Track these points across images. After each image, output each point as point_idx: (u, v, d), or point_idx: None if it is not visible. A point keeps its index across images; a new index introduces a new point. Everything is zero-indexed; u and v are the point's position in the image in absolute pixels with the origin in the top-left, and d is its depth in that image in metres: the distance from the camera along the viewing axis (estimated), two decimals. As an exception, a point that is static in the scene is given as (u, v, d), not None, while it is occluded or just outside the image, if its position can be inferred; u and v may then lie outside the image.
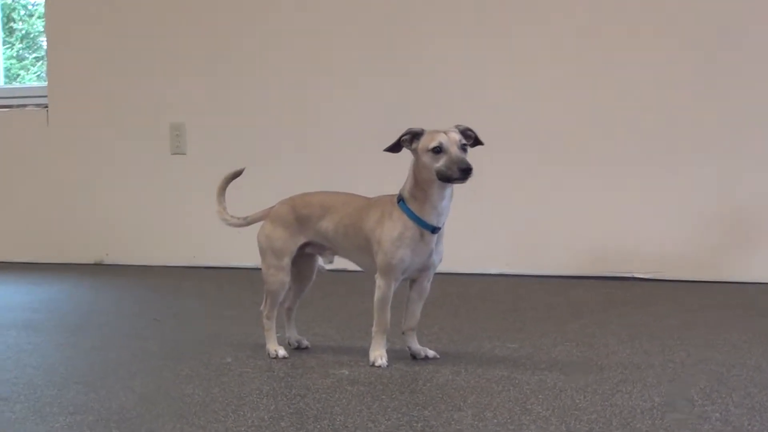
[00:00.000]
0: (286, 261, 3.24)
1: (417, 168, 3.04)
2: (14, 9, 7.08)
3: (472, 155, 3.03)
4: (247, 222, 3.41)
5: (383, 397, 2.71)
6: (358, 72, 5.71)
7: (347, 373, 3.01)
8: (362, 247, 3.15)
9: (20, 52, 7.10)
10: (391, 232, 3.04)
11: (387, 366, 3.08)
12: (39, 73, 6.90)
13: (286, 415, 2.54)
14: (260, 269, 3.29)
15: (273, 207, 3.33)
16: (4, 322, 4.08)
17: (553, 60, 5.39)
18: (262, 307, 3.31)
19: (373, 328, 3.14)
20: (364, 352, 3.17)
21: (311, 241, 3.25)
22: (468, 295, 4.77)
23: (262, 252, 3.27)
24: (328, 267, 3.48)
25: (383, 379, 2.92)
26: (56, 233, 6.27)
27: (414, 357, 3.21)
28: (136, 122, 6.10)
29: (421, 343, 3.26)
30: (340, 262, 3.39)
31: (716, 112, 5.16)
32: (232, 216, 3.42)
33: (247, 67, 5.89)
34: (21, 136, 6.37)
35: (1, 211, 6.41)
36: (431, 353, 3.22)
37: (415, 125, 3.08)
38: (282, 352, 3.26)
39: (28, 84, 6.86)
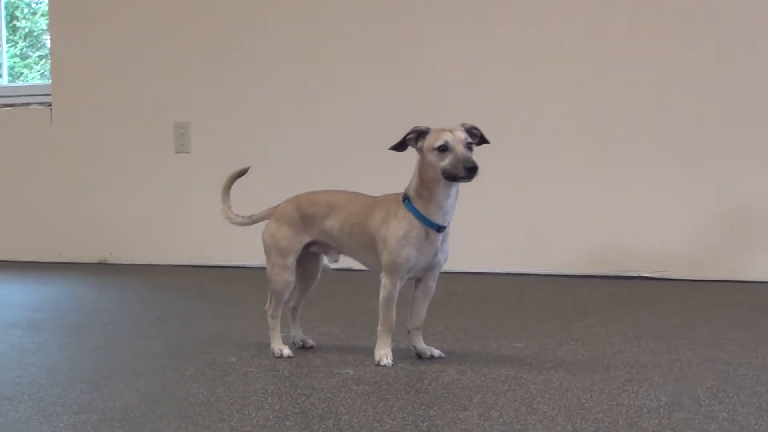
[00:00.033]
0: (291, 260, 3.23)
1: (422, 167, 3.03)
2: (18, 7, 7.07)
3: (478, 154, 3.02)
4: (252, 221, 3.40)
5: (388, 396, 2.70)
6: (361, 71, 5.70)
7: (352, 372, 3.00)
8: (367, 246, 3.14)
9: (23, 50, 7.10)
10: (397, 231, 3.02)
11: (392, 365, 3.07)
12: (42, 71, 6.89)
13: (291, 414, 2.53)
14: (265, 268, 3.28)
15: (278, 206, 3.32)
16: (8, 322, 4.07)
17: (555, 60, 5.39)
18: (266, 307, 3.30)
19: (379, 328, 3.13)
20: (370, 352, 3.16)
21: (316, 240, 3.24)
22: (473, 295, 4.76)
23: (267, 251, 3.26)
24: (333, 266, 3.46)
25: (388, 379, 2.91)
26: (60, 232, 6.27)
27: (419, 356, 3.20)
28: (140, 121, 6.10)
29: (426, 342, 3.25)
30: (345, 261, 3.37)
31: (719, 111, 5.16)
32: (236, 215, 3.40)
33: (251, 66, 5.89)
34: (25, 134, 6.37)
35: (5, 210, 6.41)
36: (437, 352, 3.21)
37: (419, 124, 3.07)
38: (287, 351, 3.24)
39: (31, 82, 6.86)
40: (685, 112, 5.20)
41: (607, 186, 5.31)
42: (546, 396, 2.69)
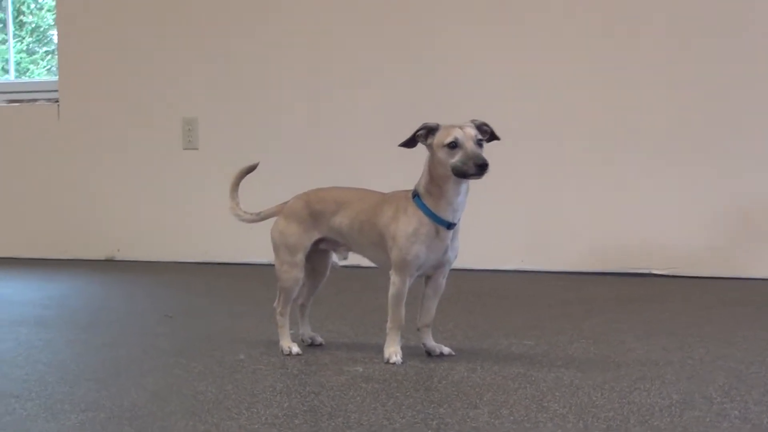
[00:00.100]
0: (300, 257, 3.21)
1: (432, 163, 3.01)
2: (24, 2, 7.07)
3: (489, 150, 3.00)
4: (261, 217, 3.38)
5: (398, 394, 2.69)
6: (370, 67, 5.70)
7: (361, 370, 2.99)
8: (376, 243, 3.12)
9: (30, 45, 7.09)
10: (406, 228, 3.01)
11: (402, 363, 3.06)
12: (49, 67, 6.89)
13: (300, 412, 2.52)
14: (273, 265, 3.27)
15: (287, 202, 3.31)
16: (15, 319, 4.07)
17: (563, 58, 5.39)
18: (275, 304, 3.29)
19: (388, 325, 3.12)
20: (379, 349, 3.15)
21: (325, 236, 3.23)
22: (483, 292, 4.75)
23: (276, 248, 3.25)
24: (342, 263, 3.45)
25: (398, 377, 2.89)
26: (66, 229, 6.27)
27: (429, 354, 3.19)
28: (148, 117, 6.09)
29: (436, 339, 3.23)
30: (354, 258, 3.36)
31: (727, 109, 5.15)
32: (245, 212, 3.39)
33: (260, 62, 5.88)
34: (32, 130, 6.36)
35: (12, 207, 6.41)
36: (446, 350, 3.20)
37: (429, 120, 3.05)
38: (296, 348, 3.23)
39: (38, 78, 6.85)
40: (693, 109, 5.19)
41: (617, 183, 5.30)
42: (556, 394, 2.67)
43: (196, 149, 6.01)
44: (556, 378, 2.86)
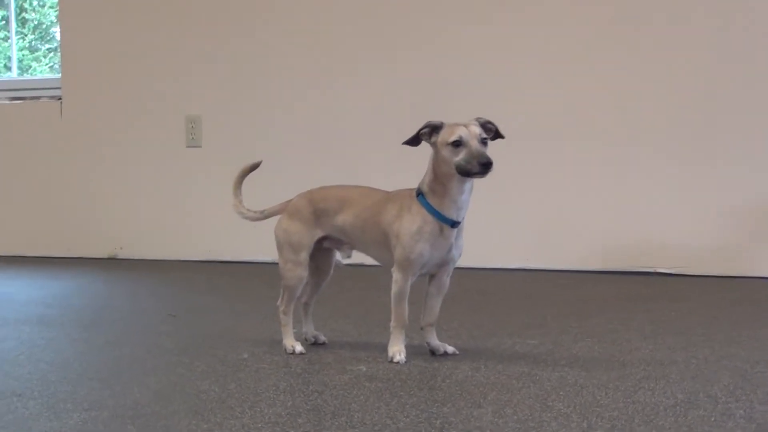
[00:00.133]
0: (304, 255, 3.20)
1: (436, 162, 3.00)
2: (27, -1, 7.06)
3: (493, 148, 2.99)
4: (264, 216, 3.37)
5: (402, 393, 2.68)
6: (375, 65, 5.69)
7: (365, 369, 2.98)
8: (380, 241, 3.11)
9: (33, 42, 7.08)
10: (410, 226, 3.00)
11: (405, 362, 3.05)
12: (52, 64, 6.88)
13: (304, 411, 2.51)
14: (277, 264, 3.26)
15: (290, 200, 3.30)
16: (18, 317, 4.07)
17: (568, 56, 5.38)
18: (278, 302, 3.28)
19: (392, 324, 3.11)
20: (382, 348, 3.14)
21: (329, 235, 3.22)
22: (487, 291, 4.75)
23: (280, 246, 3.24)
24: (346, 261, 3.44)
25: (402, 376, 2.89)
26: (69, 227, 6.27)
27: (433, 353, 3.18)
28: (151, 114, 6.09)
29: (440, 338, 3.22)
30: (358, 257, 3.35)
31: (736, 106, 5.14)
32: (248, 209, 3.38)
33: (264, 59, 5.88)
34: (34, 128, 6.36)
35: (15, 205, 6.41)
36: (450, 349, 3.19)
37: (434, 118, 3.05)
38: (299, 347, 3.22)
39: (41, 76, 6.84)
40: (699, 108, 5.19)
41: (622, 182, 5.30)
42: (561, 393, 2.66)
43: (200, 147, 6.00)
44: (561, 377, 2.85)
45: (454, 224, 3.01)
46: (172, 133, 6.05)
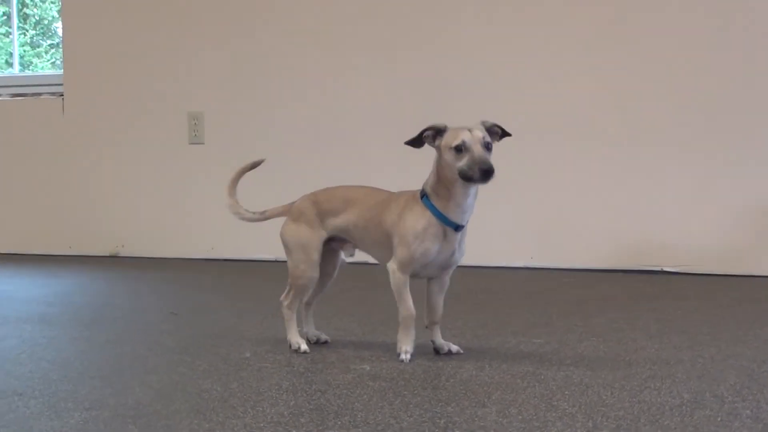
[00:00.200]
0: (315, 256, 3.18)
1: (440, 165, 2.98)
2: (27, -6, 7.05)
3: (498, 147, 2.97)
4: (265, 217, 3.35)
5: (405, 392, 2.66)
6: (378, 63, 5.69)
7: (368, 368, 2.97)
8: (382, 242, 3.10)
9: (34, 38, 7.07)
10: (415, 225, 2.98)
11: (410, 361, 3.02)
12: (53, 60, 6.87)
13: (306, 411, 2.50)
14: (281, 262, 3.25)
15: (294, 203, 3.27)
16: (19, 316, 4.06)
17: (577, 50, 5.38)
18: (282, 298, 3.26)
19: (400, 315, 3.07)
20: (386, 347, 3.13)
21: (334, 235, 3.20)
22: (492, 290, 4.75)
23: (288, 249, 3.22)
24: (349, 260, 3.42)
25: (405, 375, 2.87)
26: (70, 224, 6.26)
27: (437, 352, 3.16)
28: (154, 111, 6.08)
29: (444, 337, 3.21)
30: (362, 255, 3.34)
31: (743, 106, 5.14)
32: (246, 210, 3.35)
33: (267, 56, 5.88)
34: (36, 125, 6.35)
35: (16, 202, 6.40)
36: (455, 348, 3.17)
37: (435, 118, 3.02)
38: (304, 346, 3.20)
39: (43, 72, 6.83)
40: (708, 106, 5.18)
41: (627, 180, 5.29)
42: (566, 393, 2.65)
43: (202, 144, 5.99)
44: (566, 377, 2.84)
45: (457, 228, 2.99)
46: (174, 130, 6.04)
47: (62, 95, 6.28)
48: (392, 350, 3.11)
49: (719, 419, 2.38)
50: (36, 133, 6.34)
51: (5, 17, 6.76)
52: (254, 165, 3.38)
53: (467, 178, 2.89)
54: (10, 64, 6.75)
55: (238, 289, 4.93)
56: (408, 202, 3.04)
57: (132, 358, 3.21)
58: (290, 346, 3.22)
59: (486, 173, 2.85)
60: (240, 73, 5.91)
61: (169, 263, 5.85)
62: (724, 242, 5.14)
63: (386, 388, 2.71)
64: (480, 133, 2.93)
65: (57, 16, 6.59)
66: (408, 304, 3.05)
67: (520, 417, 2.41)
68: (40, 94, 6.41)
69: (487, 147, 2.92)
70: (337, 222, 3.17)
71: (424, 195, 3.01)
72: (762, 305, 4.30)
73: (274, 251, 3.28)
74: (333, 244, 3.24)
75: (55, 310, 4.26)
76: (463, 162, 2.89)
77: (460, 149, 2.90)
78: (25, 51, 6.97)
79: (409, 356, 3.04)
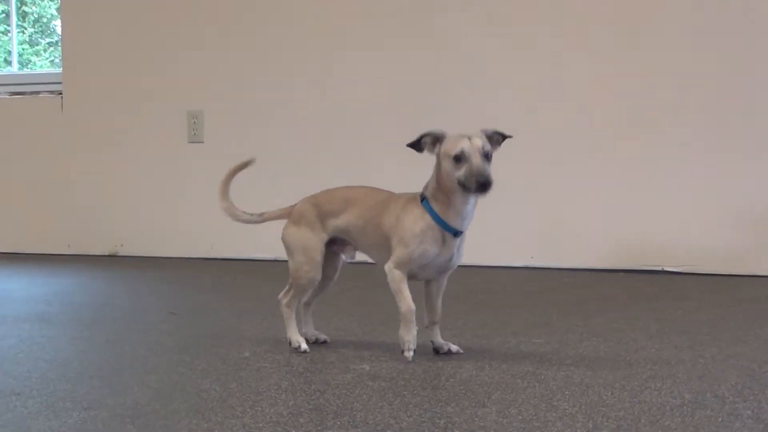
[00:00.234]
0: (318, 258, 3.17)
1: (439, 173, 2.96)
2: (27, -8, 7.05)
3: (502, 145, 2.96)
4: (263, 219, 3.33)
5: (405, 392, 2.65)
6: (379, 62, 5.69)
7: (368, 368, 2.96)
8: (380, 244, 3.09)
9: (33, 36, 7.07)
10: (413, 228, 2.97)
11: (411, 360, 3.00)
12: (52, 58, 6.86)
13: (305, 411, 2.49)
14: (279, 261, 3.25)
15: (294, 206, 3.26)
16: (18, 315, 4.06)
17: (581, 51, 5.37)
18: (281, 296, 3.25)
19: (400, 310, 3.04)
20: (386, 347, 3.13)
21: (335, 237, 3.19)
22: (492, 289, 4.75)
23: (290, 251, 3.20)
24: (349, 261, 3.41)
25: (405, 375, 2.86)
26: (70, 224, 6.26)
27: (437, 352, 3.15)
28: (153, 110, 6.08)
29: (444, 337, 3.20)
30: (362, 254, 3.32)
31: (745, 107, 5.14)
32: (243, 212, 3.34)
33: (266, 54, 5.87)
34: (34, 123, 6.35)
35: (14, 201, 6.40)
36: (454, 348, 3.16)
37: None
38: (304, 345, 3.19)
39: (41, 70, 6.82)
40: (710, 107, 5.18)
41: (629, 179, 5.29)
42: (566, 393, 2.64)
43: (202, 142, 5.99)
44: (566, 377, 2.83)
45: (456, 233, 2.98)
46: (173, 129, 6.03)
47: (61, 94, 6.28)
48: (392, 350, 3.10)
49: (720, 420, 2.37)
50: (35, 131, 6.34)
51: (4, 15, 6.75)
52: (244, 165, 3.35)
53: (465, 188, 2.87)
54: (8, 63, 6.75)
55: (237, 289, 4.92)
56: (407, 204, 3.03)
57: (131, 358, 3.20)
58: (290, 344, 3.21)
59: (483, 186, 2.83)
60: (240, 71, 5.90)
61: (169, 263, 5.85)
62: (725, 242, 5.13)
63: (386, 388, 2.70)
64: (479, 142, 2.89)
65: (56, 14, 6.59)
66: (407, 300, 3.03)
67: (520, 417, 2.40)
68: (39, 92, 6.40)
69: (487, 156, 2.89)
70: (338, 222, 3.16)
71: (424, 198, 3.00)
72: (763, 305, 4.29)
73: (274, 251, 3.28)
74: (334, 246, 3.23)
75: (54, 309, 4.25)
76: (461, 172, 2.86)
77: (458, 159, 2.87)
78: (23, 49, 6.97)
79: (412, 353, 3.02)
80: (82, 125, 6.22)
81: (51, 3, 6.88)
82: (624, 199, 5.27)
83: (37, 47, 7.07)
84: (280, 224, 3.27)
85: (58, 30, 6.47)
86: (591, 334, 3.50)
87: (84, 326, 3.84)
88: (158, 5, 6.08)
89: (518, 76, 5.43)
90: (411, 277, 3.03)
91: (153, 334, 3.62)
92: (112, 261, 6.00)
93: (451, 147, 2.89)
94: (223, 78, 5.94)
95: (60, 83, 6.29)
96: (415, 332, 3.05)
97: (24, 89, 6.44)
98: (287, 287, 3.24)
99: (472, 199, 2.94)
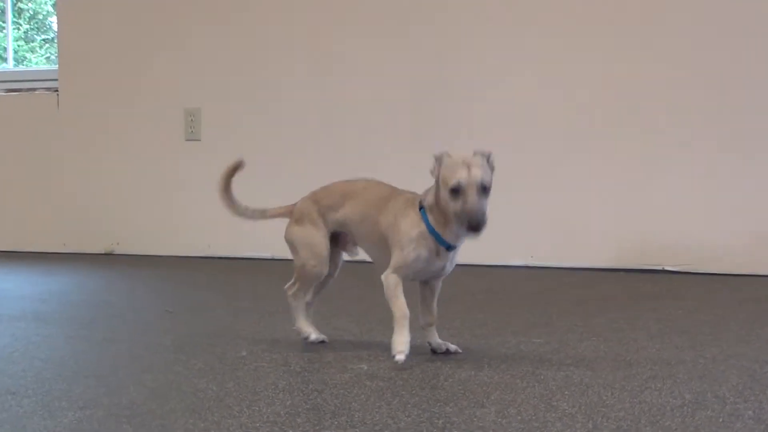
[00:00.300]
0: (323, 252, 3.16)
1: (437, 194, 2.91)
2: (22, -12, 7.04)
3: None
4: (266, 216, 3.33)
5: (403, 392, 2.64)
6: (377, 60, 5.68)
7: (366, 368, 2.95)
8: (376, 242, 3.09)
9: (28, 33, 7.05)
10: (409, 232, 2.95)
11: (404, 362, 2.97)
12: (48, 55, 6.85)
13: (303, 410, 2.47)
14: (276, 260, 3.24)
15: (295, 204, 3.25)
16: (13, 313, 4.05)
17: (584, 47, 5.38)
18: (286, 287, 3.24)
19: (394, 315, 3.01)
20: (384, 347, 3.10)
21: (336, 231, 3.19)
22: (491, 288, 4.76)
23: (294, 248, 3.20)
24: (347, 259, 3.39)
25: (403, 375, 2.85)
26: (65, 222, 6.25)
27: (434, 352, 3.13)
28: (150, 107, 6.07)
29: (442, 337, 3.18)
30: (361, 253, 3.31)
31: (746, 105, 5.15)
32: (246, 208, 3.32)
33: (265, 52, 5.87)
34: (30, 120, 6.35)
35: (9, 199, 6.39)
36: (453, 347, 3.14)
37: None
38: (314, 335, 3.21)
39: (37, 67, 6.81)
40: (712, 105, 5.19)
41: (629, 178, 5.30)
42: (566, 393, 2.63)
43: (199, 140, 5.98)
44: (566, 377, 2.82)
45: (450, 248, 2.95)
46: (170, 126, 6.03)
47: (57, 90, 6.27)
48: (390, 350, 3.08)
49: (721, 420, 2.36)
50: (30, 128, 6.33)
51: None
52: (236, 167, 3.33)
53: (459, 223, 2.83)
54: (4, 59, 6.74)
55: (234, 288, 4.92)
56: (406, 206, 3.00)
57: (127, 357, 3.20)
58: (299, 334, 3.23)
59: (475, 228, 2.78)
60: (237, 68, 5.90)
61: (165, 261, 5.85)
62: (726, 242, 5.14)
63: (384, 388, 2.69)
64: (479, 173, 2.81)
65: (52, 10, 6.58)
66: (402, 306, 2.99)
67: (519, 417, 2.38)
68: (34, 89, 6.40)
69: (485, 189, 2.83)
70: (337, 216, 3.15)
71: (422, 207, 2.97)
72: (764, 305, 4.29)
73: (271, 249, 3.27)
74: (335, 243, 3.22)
75: (50, 308, 4.25)
76: (457, 206, 2.80)
77: (455, 191, 2.81)
78: (18, 46, 6.95)
79: (404, 357, 2.98)
80: (79, 123, 6.21)
81: None
82: (624, 198, 5.27)
83: (32, 44, 7.05)
84: (279, 223, 3.27)
85: (54, 26, 6.46)
86: (591, 334, 3.49)
87: (80, 325, 3.83)
88: (155, 2, 6.07)
89: (518, 75, 5.42)
90: (405, 277, 3.01)
91: (149, 333, 3.62)
92: (108, 259, 6.00)
93: (449, 176, 2.82)
94: (221, 75, 5.93)
95: (56, 80, 6.28)
96: (407, 337, 2.99)
97: (20, 86, 6.43)
98: (292, 280, 3.23)
99: None
